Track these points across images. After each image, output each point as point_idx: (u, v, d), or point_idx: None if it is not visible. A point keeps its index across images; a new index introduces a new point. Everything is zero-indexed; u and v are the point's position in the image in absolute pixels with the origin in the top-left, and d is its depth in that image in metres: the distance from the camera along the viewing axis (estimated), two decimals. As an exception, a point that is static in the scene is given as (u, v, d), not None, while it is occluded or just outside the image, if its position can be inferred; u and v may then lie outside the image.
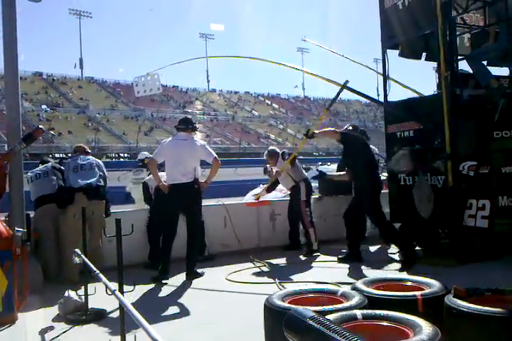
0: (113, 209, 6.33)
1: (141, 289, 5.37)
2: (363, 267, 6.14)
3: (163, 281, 5.65)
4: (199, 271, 5.92)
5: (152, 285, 5.53)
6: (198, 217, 6.13)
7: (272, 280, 5.55)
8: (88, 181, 5.85)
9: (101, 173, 6.08)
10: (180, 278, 5.79)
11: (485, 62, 6.96)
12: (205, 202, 7.38)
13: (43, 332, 4.08)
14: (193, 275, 5.78)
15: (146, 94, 8.19)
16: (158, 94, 66.24)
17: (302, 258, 6.92)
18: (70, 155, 6.67)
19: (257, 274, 6.00)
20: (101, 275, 3.13)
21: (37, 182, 6.14)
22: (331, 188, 8.33)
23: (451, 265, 5.76)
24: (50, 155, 31.44)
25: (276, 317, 3.04)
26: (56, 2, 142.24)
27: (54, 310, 4.53)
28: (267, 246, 7.41)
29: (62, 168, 6.31)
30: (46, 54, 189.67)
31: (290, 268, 6.31)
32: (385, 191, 7.00)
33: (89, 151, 6.55)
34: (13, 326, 4.24)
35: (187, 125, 6.17)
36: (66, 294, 4.53)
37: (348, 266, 6.26)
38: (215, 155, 6.04)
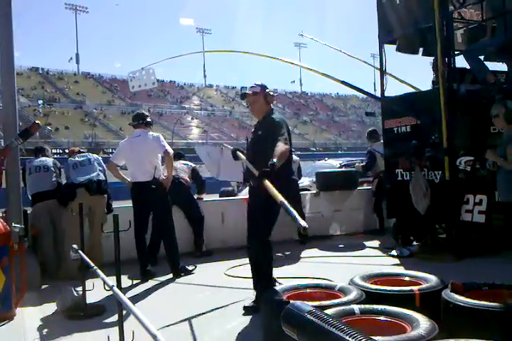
0: (113, 204, 6.31)
1: (140, 284, 5.39)
2: (360, 262, 6.16)
3: (165, 277, 5.65)
4: (190, 268, 5.90)
5: (151, 281, 5.54)
6: (167, 219, 5.86)
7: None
8: (89, 176, 5.83)
9: (100, 168, 6.06)
10: (178, 273, 5.80)
11: (482, 57, 6.95)
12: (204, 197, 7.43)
13: (41, 328, 4.09)
14: (178, 272, 5.73)
15: (141, 89, 8.16)
16: (155, 90, 66.13)
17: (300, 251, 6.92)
18: (66, 151, 6.63)
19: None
20: (99, 271, 3.13)
21: (36, 175, 6.04)
22: (328, 184, 8.34)
23: (449, 260, 5.77)
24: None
25: (274, 312, 3.05)
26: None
27: (52, 306, 4.53)
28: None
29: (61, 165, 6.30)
30: (42, 49, 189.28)
31: (288, 263, 6.31)
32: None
33: (84, 150, 6.51)
34: (11, 322, 4.24)
35: (138, 120, 5.97)
36: (64, 290, 4.53)
37: (345, 261, 6.28)
38: (167, 148, 5.78)
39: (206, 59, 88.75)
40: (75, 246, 4.17)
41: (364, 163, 8.66)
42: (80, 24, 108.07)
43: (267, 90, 4.52)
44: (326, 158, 16.10)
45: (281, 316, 1.68)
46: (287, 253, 6.91)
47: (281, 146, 4.03)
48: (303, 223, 2.99)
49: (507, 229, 5.81)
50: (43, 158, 6.25)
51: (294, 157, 7.98)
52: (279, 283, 4.47)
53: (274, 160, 3.83)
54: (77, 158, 6.06)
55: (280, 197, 3.46)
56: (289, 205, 3.30)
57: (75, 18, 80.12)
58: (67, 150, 8.38)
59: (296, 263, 6.28)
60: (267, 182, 3.71)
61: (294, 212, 3.14)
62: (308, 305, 1.57)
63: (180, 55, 10.50)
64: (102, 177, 5.94)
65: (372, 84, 61.84)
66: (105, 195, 5.99)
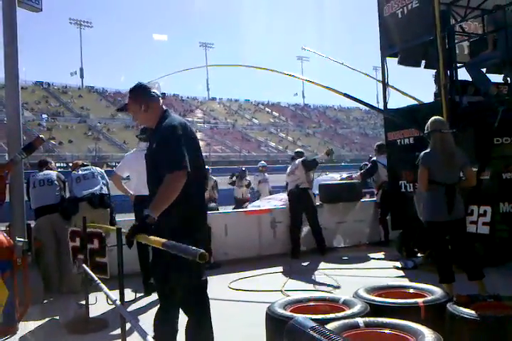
0: (117, 218, 6.30)
1: (143, 298, 5.36)
2: (364, 274, 6.13)
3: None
4: None
5: (154, 294, 5.51)
6: None
7: (274, 288, 5.53)
8: (91, 190, 5.83)
9: (104, 181, 6.06)
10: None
11: (484, 70, 6.98)
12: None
13: (44, 342, 4.07)
14: None
15: None
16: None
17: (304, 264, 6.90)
18: (70, 164, 6.64)
19: (259, 282, 5.99)
20: (102, 285, 3.13)
21: (40, 189, 6.04)
22: (331, 196, 8.33)
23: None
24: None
25: (278, 326, 3.03)
26: (57, 12, 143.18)
27: (55, 320, 4.52)
28: (268, 254, 7.41)
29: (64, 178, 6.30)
30: (47, 63, 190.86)
31: (292, 276, 6.28)
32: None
33: (87, 163, 6.51)
34: (14, 336, 4.22)
35: (146, 134, 5.87)
36: (67, 304, 4.52)
37: (349, 273, 6.25)
38: None
39: (209, 72, 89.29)
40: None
41: (364, 170, 8.69)
42: (84, 39, 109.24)
43: (142, 93, 3.28)
44: (327, 172, 16.05)
45: (284, 331, 1.68)
46: (291, 265, 6.88)
47: (164, 183, 2.88)
48: (197, 251, 1.92)
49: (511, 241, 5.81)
50: (47, 172, 6.26)
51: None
52: (286, 295, 4.46)
53: (149, 209, 2.82)
54: (80, 172, 6.05)
55: (162, 241, 2.31)
56: (176, 243, 2.19)
57: (79, 32, 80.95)
58: (70, 164, 8.31)
59: (300, 276, 6.24)
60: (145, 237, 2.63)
61: (184, 246, 2.08)
62: (310, 321, 1.57)
63: (185, 69, 10.61)
64: (105, 190, 5.94)
65: (375, 96, 62.04)
66: (108, 209, 5.98)
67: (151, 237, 2.45)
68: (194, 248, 1.97)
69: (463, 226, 4.76)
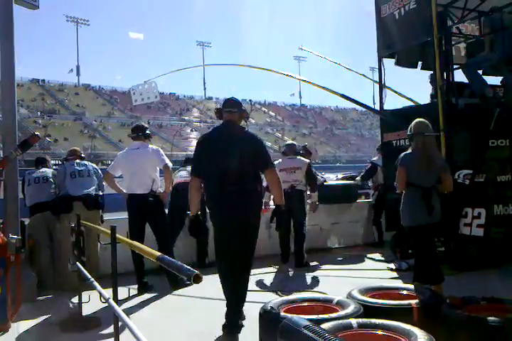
0: (109, 216, 6.27)
1: (136, 296, 5.35)
2: (358, 275, 6.13)
3: (163, 289, 5.60)
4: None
5: (148, 293, 5.50)
6: (164, 232, 5.77)
7: (268, 289, 5.53)
8: (87, 190, 5.78)
9: (98, 180, 6.02)
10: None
11: (480, 72, 7.00)
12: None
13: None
14: (176, 285, 5.65)
15: (143, 103, 8.16)
16: (154, 102, 66.36)
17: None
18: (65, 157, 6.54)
19: (254, 282, 5.97)
20: (95, 283, 3.12)
21: (35, 186, 6.01)
22: (327, 196, 8.32)
23: (447, 273, 5.74)
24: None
25: (271, 326, 3.03)
26: (54, 9, 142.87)
27: (48, 318, 4.50)
28: (263, 255, 7.38)
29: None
30: (43, 61, 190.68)
31: (286, 276, 6.28)
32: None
33: (84, 156, 6.45)
34: (6, 334, 4.20)
35: (137, 133, 5.91)
36: (60, 302, 4.50)
37: (343, 274, 6.25)
38: (167, 161, 5.69)
39: (206, 71, 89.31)
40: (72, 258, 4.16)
41: (363, 173, 8.68)
42: (81, 36, 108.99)
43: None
44: (323, 172, 16.03)
45: (277, 330, 1.67)
46: (286, 266, 6.87)
47: None
48: (192, 272, 1.90)
49: (506, 243, 5.83)
50: (43, 169, 6.24)
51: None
52: (280, 295, 4.45)
53: None
54: (76, 166, 5.98)
55: (156, 255, 2.35)
56: (171, 259, 2.24)
57: (76, 30, 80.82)
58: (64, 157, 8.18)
59: (294, 276, 6.24)
60: None
61: (179, 264, 2.07)
62: (304, 320, 1.57)
63: (183, 68, 10.63)
64: (99, 191, 5.92)
65: (372, 97, 62.13)
66: (100, 210, 5.95)
67: (148, 249, 2.61)
68: (189, 268, 1.95)
69: (437, 230, 4.77)
